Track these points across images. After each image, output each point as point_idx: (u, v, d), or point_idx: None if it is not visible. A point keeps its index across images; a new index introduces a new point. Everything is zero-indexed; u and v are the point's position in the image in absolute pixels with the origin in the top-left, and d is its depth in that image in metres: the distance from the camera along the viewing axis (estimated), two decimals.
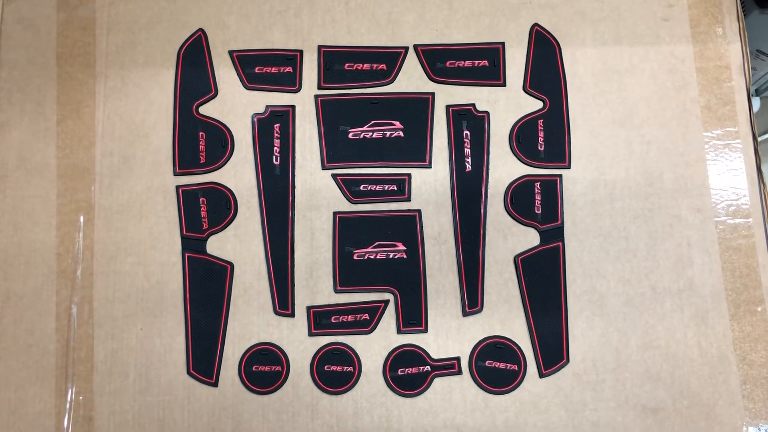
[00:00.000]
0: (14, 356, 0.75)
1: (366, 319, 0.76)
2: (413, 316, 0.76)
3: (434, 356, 0.72)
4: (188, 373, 0.75)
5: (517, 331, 0.75)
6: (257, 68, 0.80)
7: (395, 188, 0.76)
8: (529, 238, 0.74)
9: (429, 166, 0.74)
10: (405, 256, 0.77)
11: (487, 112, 0.80)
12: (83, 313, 0.75)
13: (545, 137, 0.80)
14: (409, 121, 0.80)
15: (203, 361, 0.75)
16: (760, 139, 0.83)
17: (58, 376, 0.74)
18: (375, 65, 0.81)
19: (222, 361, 0.75)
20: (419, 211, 0.75)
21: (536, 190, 0.79)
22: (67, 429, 0.74)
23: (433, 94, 0.76)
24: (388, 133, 0.80)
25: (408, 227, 0.74)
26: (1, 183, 0.78)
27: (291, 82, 0.80)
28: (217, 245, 0.77)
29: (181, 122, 0.79)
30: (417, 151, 0.80)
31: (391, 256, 0.77)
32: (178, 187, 0.78)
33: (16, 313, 0.75)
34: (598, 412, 0.74)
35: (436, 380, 0.75)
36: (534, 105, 0.79)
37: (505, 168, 0.74)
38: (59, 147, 0.79)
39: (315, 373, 0.75)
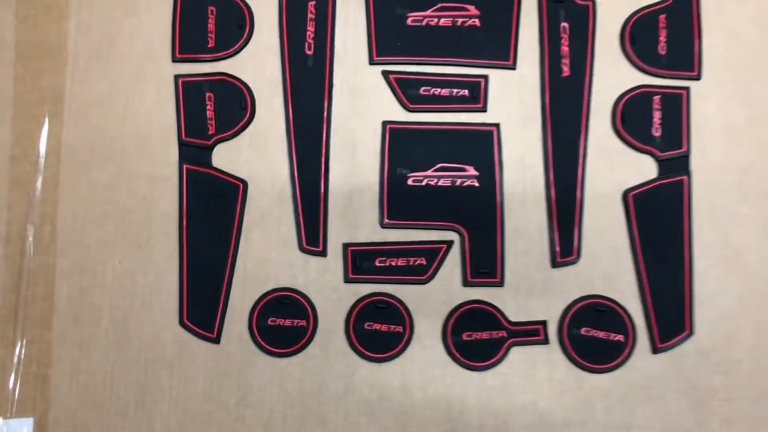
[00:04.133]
0: None
1: (422, 265, 0.61)
2: (485, 264, 0.61)
3: (512, 318, 0.57)
4: (181, 323, 0.60)
5: (625, 291, 0.60)
6: None
7: (466, 94, 0.61)
8: (643, 168, 0.60)
9: (513, 67, 0.60)
10: (476, 184, 0.62)
11: (593, 1, 0.64)
12: (43, 237, 0.60)
13: (668, 38, 0.64)
14: (488, 6, 0.65)
15: (201, 309, 0.60)
16: None
17: (3, 319, 0.59)
18: None
19: (227, 309, 0.60)
20: (497, 125, 0.60)
21: (655, 106, 0.63)
22: (12, 390, 0.58)
23: None
24: (459, 21, 0.64)
25: (482, 146, 0.60)
26: None
27: None
28: (227, 156, 0.62)
29: None
30: (497, 47, 0.64)
31: (458, 184, 0.62)
32: (177, 77, 0.63)
33: None
34: (732, 404, 0.58)
35: (514, 350, 0.60)
36: None
37: (614, 75, 0.61)
38: (19, 17, 0.63)
39: (351, 333, 0.59)
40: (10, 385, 0.59)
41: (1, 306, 0.60)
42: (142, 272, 0.61)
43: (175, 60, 0.64)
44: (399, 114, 0.64)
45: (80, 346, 0.60)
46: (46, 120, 0.62)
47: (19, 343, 0.59)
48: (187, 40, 0.64)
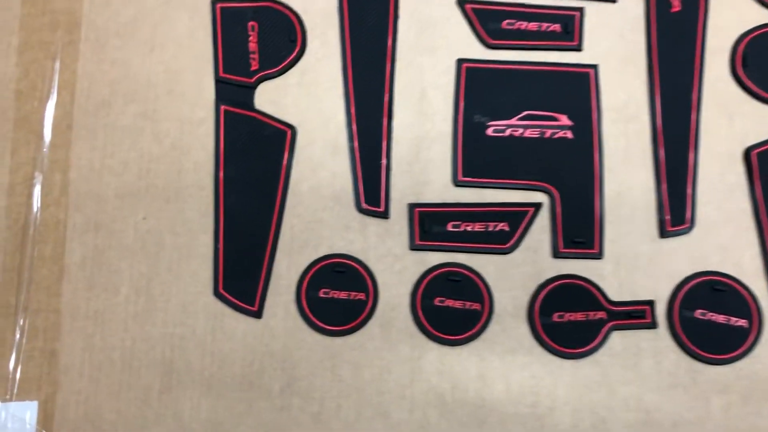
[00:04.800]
0: None
1: (504, 231, 0.50)
2: (580, 232, 0.51)
3: (612, 297, 0.47)
4: (216, 294, 0.50)
5: (747, 267, 0.50)
6: None
7: (558, 29, 0.53)
8: None
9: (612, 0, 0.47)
10: (570, 137, 0.52)
11: None
12: (52, 188, 0.50)
13: None
14: None
15: (240, 277, 0.50)
16: None
17: (5, 284, 0.49)
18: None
19: (270, 278, 0.50)
20: (595, 67, 0.50)
21: None
22: (13, 368, 0.48)
23: None
24: None
25: (577, 91, 0.52)
26: None
27: None
28: (272, 97, 0.52)
29: None
30: None
31: (547, 136, 0.51)
32: (214, 3, 0.53)
33: None
34: None
35: (615, 335, 0.50)
36: None
37: (734, 10, 0.53)
38: None
39: (418, 309, 0.49)
40: (11, 363, 0.49)
41: (2, 269, 0.49)
42: (169, 232, 0.51)
43: None
44: (477, 51, 0.54)
45: (94, 317, 0.50)
46: (59, 50, 0.52)
47: (22, 313, 0.49)
48: None
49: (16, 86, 0.53)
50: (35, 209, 0.51)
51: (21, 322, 0.50)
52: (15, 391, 0.49)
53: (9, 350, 0.50)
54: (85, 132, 0.52)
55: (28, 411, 0.49)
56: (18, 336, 0.50)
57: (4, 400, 0.49)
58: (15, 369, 0.49)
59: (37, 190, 0.51)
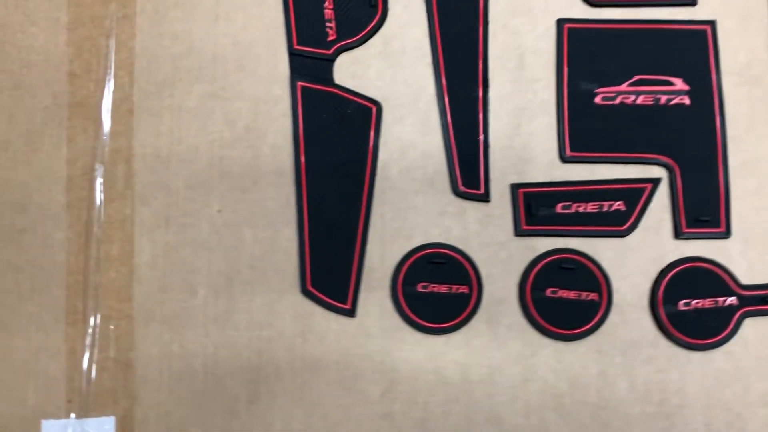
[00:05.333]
0: None
1: (620, 211, 0.45)
2: (704, 209, 0.45)
3: (743, 280, 0.42)
4: (303, 291, 0.45)
5: None
6: None
7: None
8: None
9: None
10: (687, 102, 0.46)
11: None
12: (115, 180, 0.45)
13: None
14: None
15: (330, 272, 0.45)
16: None
17: (71, 288, 0.44)
18: None
19: (362, 272, 0.45)
20: (712, 24, 0.44)
21: None
22: (86, 381, 0.44)
23: None
24: None
25: (692, 52, 0.46)
26: None
27: None
28: (353, 70, 0.47)
29: None
30: None
31: (662, 102, 0.46)
32: None
33: None
34: None
35: (748, 322, 0.45)
36: None
37: None
38: None
39: (528, 302, 0.44)
40: (84, 375, 0.44)
41: (67, 272, 0.44)
42: (248, 224, 0.45)
43: None
44: (579, 10, 0.48)
45: (171, 322, 0.45)
46: (114, 25, 0.46)
47: (92, 320, 0.44)
48: None
49: (69, 68, 0.47)
50: (98, 205, 0.46)
51: (91, 331, 0.45)
52: (90, 405, 0.45)
53: (80, 361, 0.45)
54: (147, 116, 0.47)
55: (105, 426, 0.44)
56: (89, 344, 0.45)
57: (79, 416, 0.44)
58: (88, 382, 0.45)
59: (99, 184, 0.46)
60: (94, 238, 0.46)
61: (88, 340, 0.45)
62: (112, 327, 0.45)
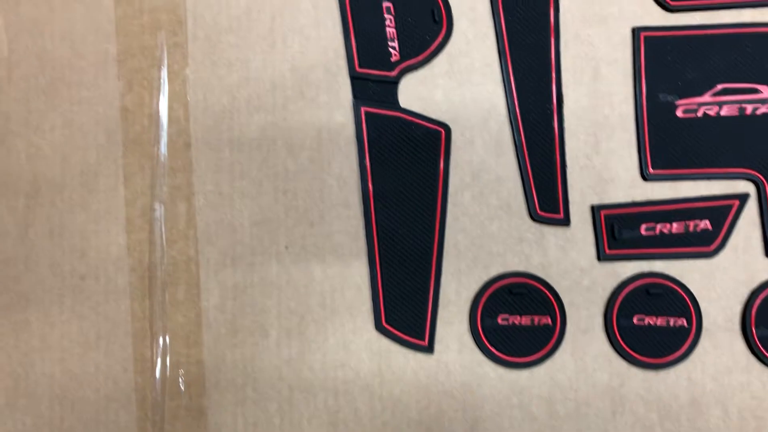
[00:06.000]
0: (50, 290, 0.43)
1: (706, 231, 0.43)
2: None
3: None
4: (378, 327, 0.43)
5: None
6: None
7: None
8: None
9: None
10: None
11: None
12: (177, 220, 0.43)
13: None
14: None
15: (405, 306, 0.44)
16: None
17: (137, 335, 0.42)
18: None
19: (438, 305, 0.43)
20: None
21: None
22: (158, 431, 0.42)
23: None
24: None
25: None
26: None
27: None
28: (419, 92, 0.44)
29: None
30: None
31: (748, 112, 0.43)
32: None
33: (51, 212, 0.43)
34: None
35: None
36: None
37: None
38: None
39: (615, 330, 0.43)
40: (155, 424, 0.42)
41: (133, 318, 0.43)
42: (317, 260, 0.44)
43: None
44: (656, 16, 0.46)
45: (243, 366, 0.44)
46: (165, 54, 0.44)
47: (159, 366, 0.43)
48: None
49: (121, 102, 0.45)
50: (160, 246, 0.44)
51: (160, 378, 0.43)
52: None
53: (150, 410, 0.44)
54: (207, 150, 0.45)
55: None
56: (159, 391, 0.43)
57: None
58: (160, 430, 0.43)
59: (160, 224, 0.44)
60: (158, 282, 0.44)
61: (158, 388, 0.44)
62: (182, 373, 0.44)
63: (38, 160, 0.45)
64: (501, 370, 0.44)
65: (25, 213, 0.45)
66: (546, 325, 0.44)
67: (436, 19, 0.46)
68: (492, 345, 0.45)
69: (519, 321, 0.45)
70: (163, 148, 0.45)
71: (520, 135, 0.46)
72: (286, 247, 0.45)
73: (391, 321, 0.45)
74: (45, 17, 0.46)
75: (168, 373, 0.44)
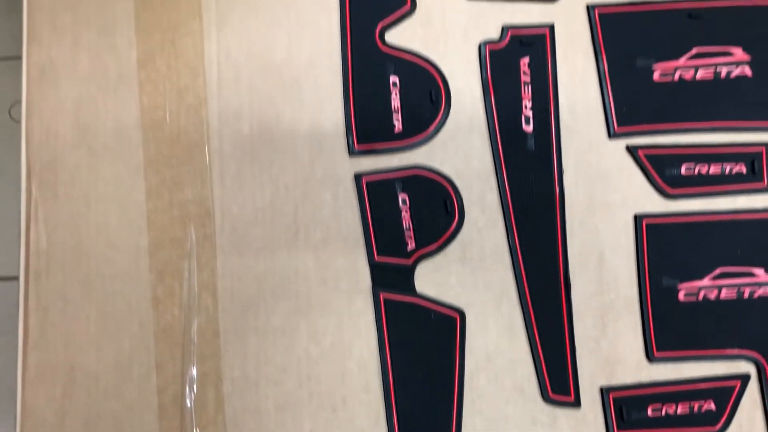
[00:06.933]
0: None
1: (710, 411, 0.46)
2: None
3: None
4: None
5: None
6: None
7: (743, 170, 0.48)
8: None
9: None
10: None
11: None
12: (206, 405, 0.47)
13: None
14: (761, 46, 0.49)
15: None
16: None
17: None
18: None
19: None
20: None
21: None
22: None
23: None
24: (723, 71, 0.49)
25: None
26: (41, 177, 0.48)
27: None
28: (433, 277, 0.47)
29: (356, 60, 0.49)
30: None
31: (746, 295, 0.46)
32: (358, 178, 0.47)
33: (87, 401, 0.46)
34: None
35: None
36: None
37: None
38: (146, 123, 0.48)
39: None
40: None
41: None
42: None
43: (353, 153, 0.49)
44: (656, 203, 0.49)
45: None
46: (194, 246, 0.47)
47: None
48: (366, 125, 0.49)
49: (153, 293, 0.48)
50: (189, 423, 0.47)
51: None
52: None
53: None
54: (234, 338, 0.48)
55: None
56: None
57: None
58: None
59: (190, 410, 0.47)
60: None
61: None
62: None
63: (75, 350, 0.48)
64: None
65: (62, 402, 0.48)
66: None
67: (449, 209, 0.49)
68: None
69: None
70: (194, 336, 0.48)
71: (531, 320, 0.49)
72: (311, 430, 0.48)
73: None
74: (81, 212, 0.49)
75: None
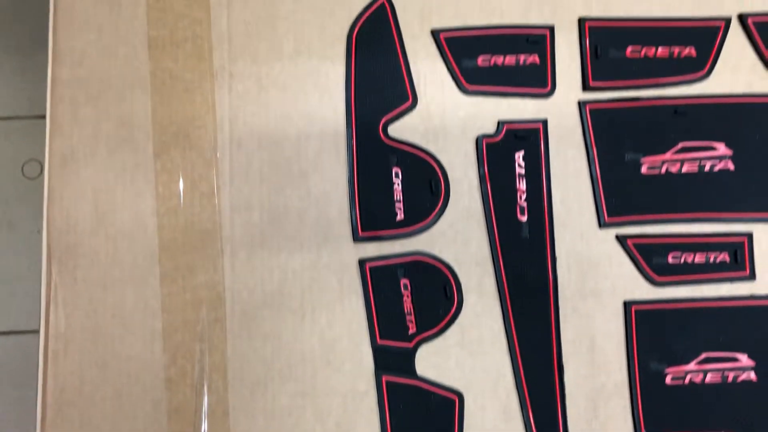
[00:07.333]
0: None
1: None
2: None
3: None
4: None
5: None
6: (481, 58, 0.53)
7: (727, 259, 0.50)
8: None
9: None
10: (754, 379, 0.49)
11: None
12: None
13: None
14: (742, 142, 0.53)
15: None
16: None
17: None
18: (677, 49, 0.53)
19: None
20: None
21: None
22: None
23: None
24: (707, 165, 0.52)
25: (755, 327, 0.50)
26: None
27: (538, 81, 0.55)
28: (433, 360, 0.50)
29: (360, 152, 0.52)
30: (760, 195, 0.52)
31: (729, 380, 0.49)
32: (362, 264, 0.51)
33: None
34: None
35: None
36: None
37: None
38: (161, 211, 0.51)
39: None
40: None
41: None
42: None
43: (357, 239, 0.52)
44: (644, 290, 0.52)
45: None
46: (205, 329, 0.50)
47: None
48: (370, 213, 0.52)
49: (166, 374, 0.51)
50: None
51: None
52: None
53: None
54: (243, 417, 0.51)
55: None
56: None
57: None
58: None
59: None
60: None
61: None
62: None
63: (90, 430, 0.51)
64: None
65: None
66: None
67: (448, 294, 0.52)
68: None
69: None
70: (204, 416, 0.51)
71: (526, 403, 0.51)
72: None
73: None
74: (99, 296, 0.52)
75: None
